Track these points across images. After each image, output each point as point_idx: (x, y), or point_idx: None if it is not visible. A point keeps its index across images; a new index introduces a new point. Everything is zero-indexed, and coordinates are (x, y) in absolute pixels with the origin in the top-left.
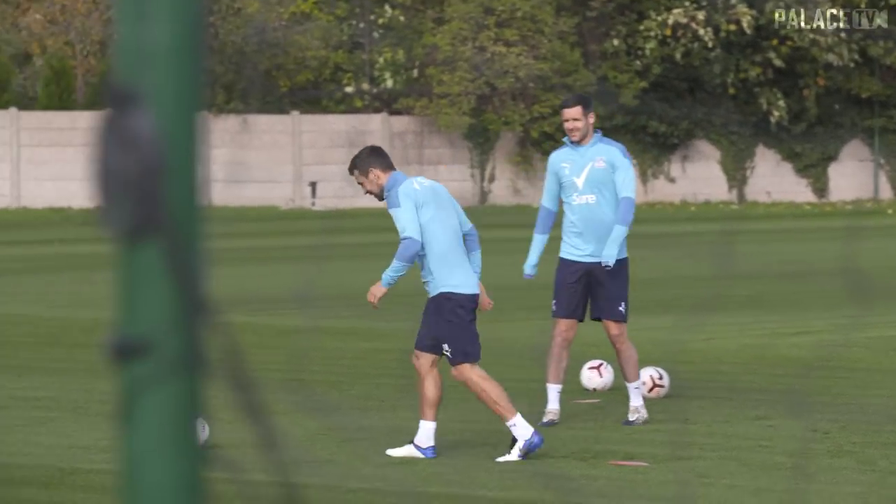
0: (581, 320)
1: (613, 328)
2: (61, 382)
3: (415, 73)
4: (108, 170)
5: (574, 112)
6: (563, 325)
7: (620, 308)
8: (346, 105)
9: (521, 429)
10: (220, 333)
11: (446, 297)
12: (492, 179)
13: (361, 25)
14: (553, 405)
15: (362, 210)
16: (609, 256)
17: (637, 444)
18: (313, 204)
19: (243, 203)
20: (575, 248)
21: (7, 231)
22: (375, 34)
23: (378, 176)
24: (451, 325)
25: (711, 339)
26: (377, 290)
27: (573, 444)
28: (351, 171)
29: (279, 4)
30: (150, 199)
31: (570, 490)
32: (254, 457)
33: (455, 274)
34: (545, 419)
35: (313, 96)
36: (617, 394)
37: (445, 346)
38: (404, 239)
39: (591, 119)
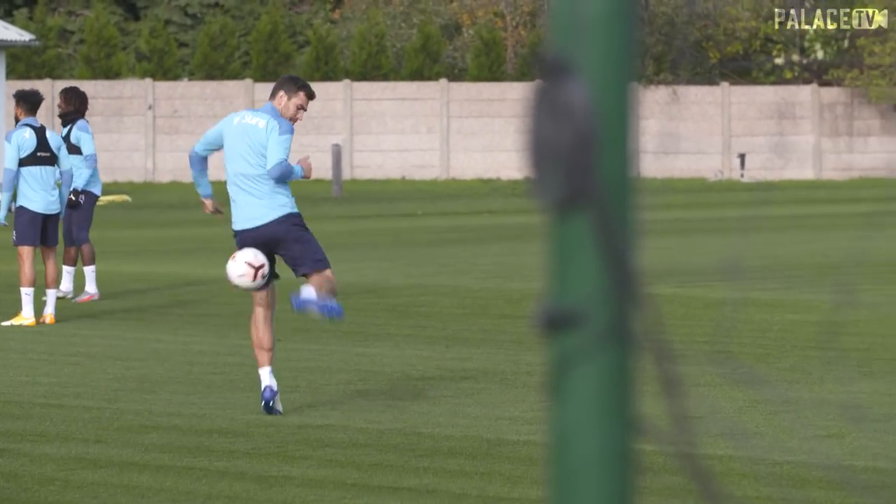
0: None
1: None
2: (488, 353)
3: (845, 43)
4: (540, 140)
5: None
6: None
7: None
8: (775, 76)
9: None
10: (648, 305)
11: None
12: None
13: None
14: None
15: (791, 182)
16: None
17: None
18: (742, 175)
19: (672, 174)
20: None
21: (436, 202)
22: (806, 4)
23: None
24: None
25: None
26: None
27: None
28: None
29: None
30: (583, 169)
31: None
32: (678, 429)
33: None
34: None
35: (743, 67)
36: None
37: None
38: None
39: None
